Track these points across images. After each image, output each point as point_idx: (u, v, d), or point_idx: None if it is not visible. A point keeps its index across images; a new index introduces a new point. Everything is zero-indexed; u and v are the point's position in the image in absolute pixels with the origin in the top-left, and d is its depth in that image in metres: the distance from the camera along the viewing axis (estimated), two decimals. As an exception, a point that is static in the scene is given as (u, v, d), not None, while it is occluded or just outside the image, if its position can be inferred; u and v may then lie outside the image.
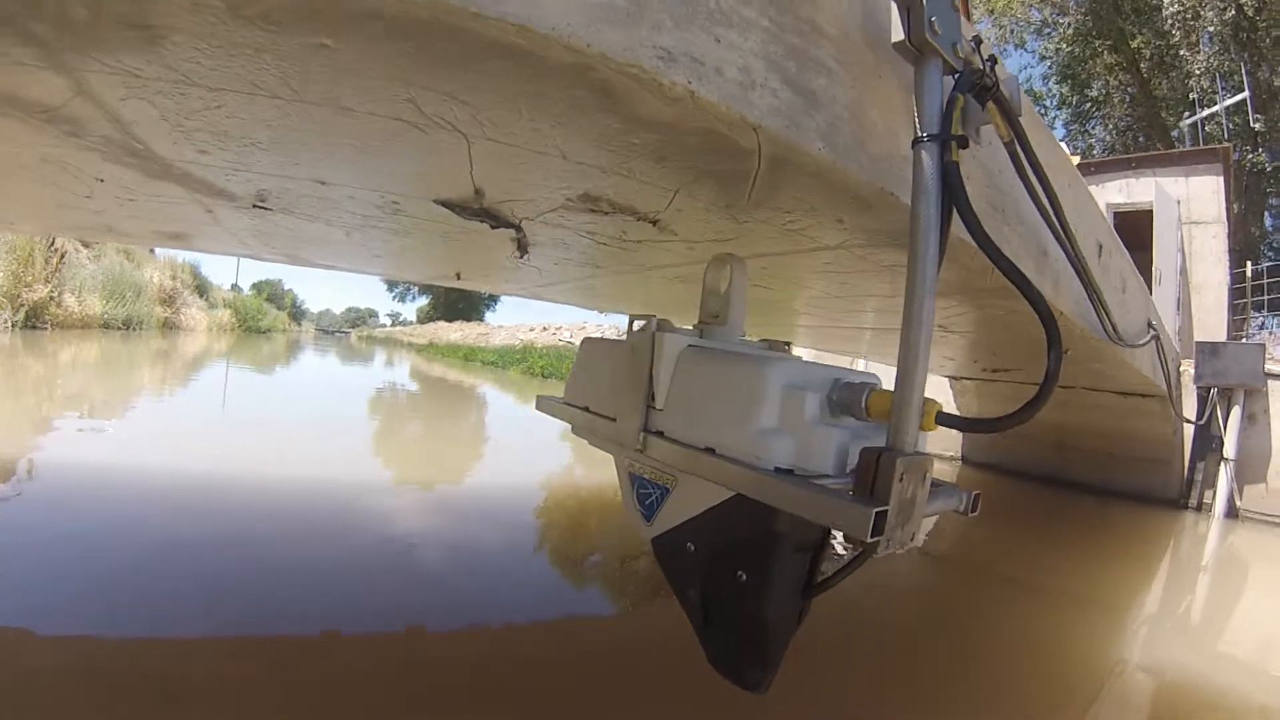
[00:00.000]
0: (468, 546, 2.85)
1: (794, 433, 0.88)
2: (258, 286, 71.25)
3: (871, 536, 0.75)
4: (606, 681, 1.71)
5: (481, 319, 52.50)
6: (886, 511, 0.75)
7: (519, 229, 1.57)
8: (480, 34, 0.67)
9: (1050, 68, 17.67)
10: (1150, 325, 3.41)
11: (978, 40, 1.07)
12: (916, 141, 0.90)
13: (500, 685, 1.62)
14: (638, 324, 1.13)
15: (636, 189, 1.18)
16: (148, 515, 2.66)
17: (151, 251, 30.21)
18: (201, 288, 31.32)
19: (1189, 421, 5.41)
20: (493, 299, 61.53)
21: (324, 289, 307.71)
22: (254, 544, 2.42)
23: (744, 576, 0.97)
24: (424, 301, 64.33)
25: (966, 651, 2.10)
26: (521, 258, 1.83)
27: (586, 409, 1.30)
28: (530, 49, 0.70)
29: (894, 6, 0.95)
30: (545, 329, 27.10)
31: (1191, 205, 7.41)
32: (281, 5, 0.70)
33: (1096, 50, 12.49)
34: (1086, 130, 17.47)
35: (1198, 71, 11.56)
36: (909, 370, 0.84)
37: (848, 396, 0.91)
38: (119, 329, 17.56)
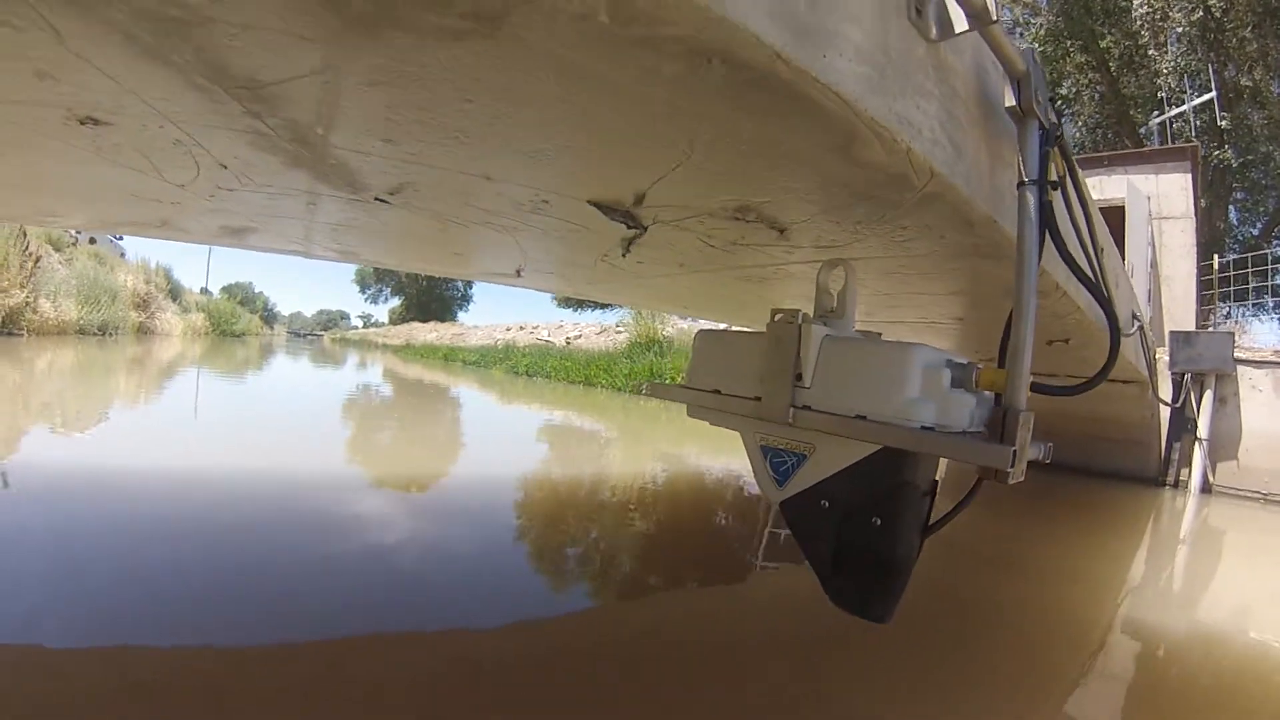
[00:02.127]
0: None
1: (934, 399, 1.16)
2: (228, 289, 70.09)
3: (1009, 468, 1.05)
4: (587, 676, 1.72)
5: (455, 319, 51.81)
6: (1015, 450, 1.05)
7: (644, 229, 1.76)
8: (796, 88, 0.91)
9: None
10: (1135, 316, 3.77)
11: (1052, 100, 1.38)
12: (1021, 184, 1.21)
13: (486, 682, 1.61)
14: (779, 316, 1.40)
15: (793, 206, 1.44)
16: (130, 522, 2.66)
17: (123, 255, 29.65)
18: (174, 291, 30.93)
19: (1166, 404, 5.85)
20: (465, 299, 60.81)
21: (294, 291, 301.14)
22: (233, 550, 2.41)
23: (878, 522, 1.25)
24: (396, 302, 63.44)
25: (961, 627, 2.23)
26: (623, 257, 2.04)
27: (717, 391, 1.58)
28: (818, 99, 0.94)
29: (1008, 79, 1.27)
30: (523, 328, 26.86)
31: (1161, 201, 7.77)
32: (670, 33, 0.79)
33: (1067, 50, 12.94)
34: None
35: (1165, 71, 12.03)
36: (1019, 350, 1.15)
37: (961, 374, 1.19)
38: (95, 334, 17.44)
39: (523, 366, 17.91)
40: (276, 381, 11.52)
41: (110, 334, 18.48)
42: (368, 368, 17.38)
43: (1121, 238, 7.66)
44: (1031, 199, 1.20)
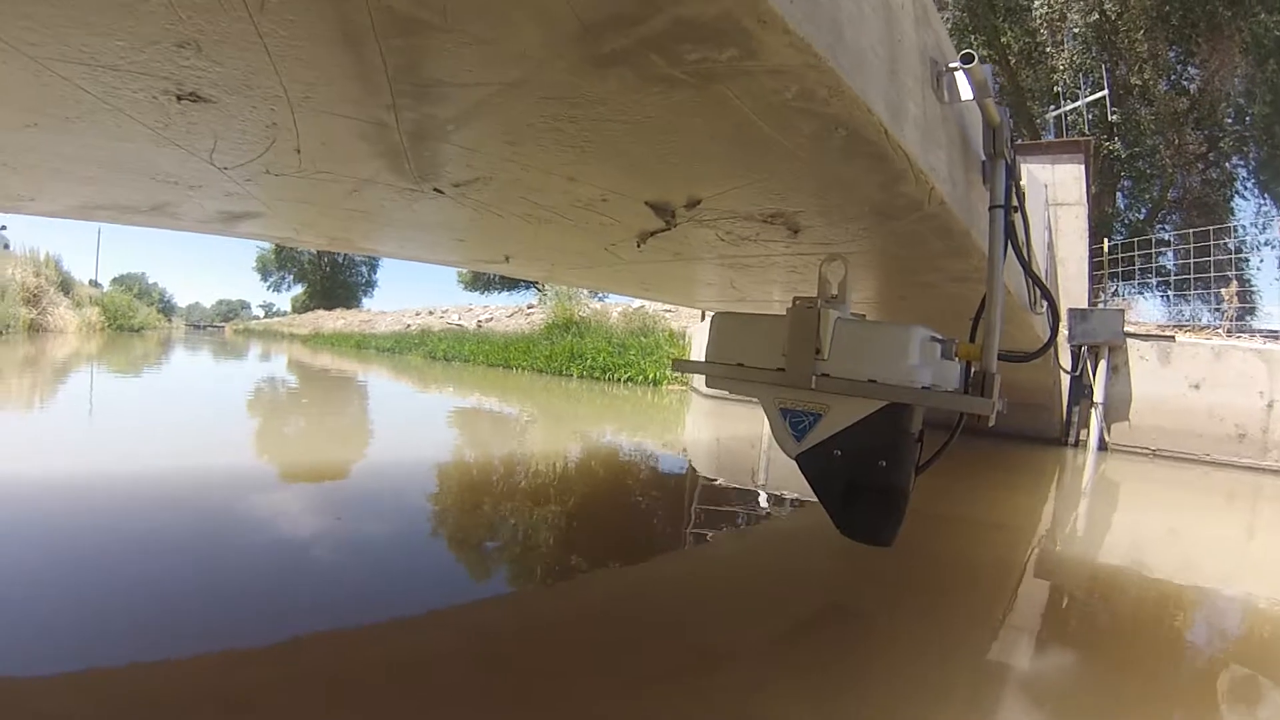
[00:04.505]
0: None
1: (930, 365, 1.56)
2: (120, 281, 65.49)
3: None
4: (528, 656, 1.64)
5: (360, 306, 50.09)
6: (994, 402, 1.46)
7: (676, 225, 2.00)
8: (882, 147, 1.29)
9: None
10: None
11: (1012, 139, 1.79)
12: (993, 208, 1.64)
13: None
14: (799, 301, 1.76)
15: (819, 215, 1.80)
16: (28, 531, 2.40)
17: (7, 247, 27.07)
18: (65, 284, 28.51)
19: (1066, 372, 6.57)
20: (370, 285, 58.45)
21: (190, 281, 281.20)
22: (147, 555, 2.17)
23: (884, 464, 1.64)
24: (299, 290, 60.40)
25: (901, 575, 2.42)
26: (638, 248, 2.29)
27: (740, 365, 1.93)
28: (893, 156, 1.33)
29: (984, 130, 1.70)
30: (432, 313, 26.63)
31: (1057, 189, 8.42)
32: (827, 111, 1.13)
33: (971, 44, 13.73)
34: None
35: (1062, 68, 12.94)
36: (990, 329, 1.57)
37: (945, 347, 1.61)
38: (-19, 333, 16.26)
39: (440, 351, 17.73)
40: (194, 376, 10.68)
41: (1, 333, 17.35)
42: (273, 359, 16.08)
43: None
44: (999, 218, 1.63)
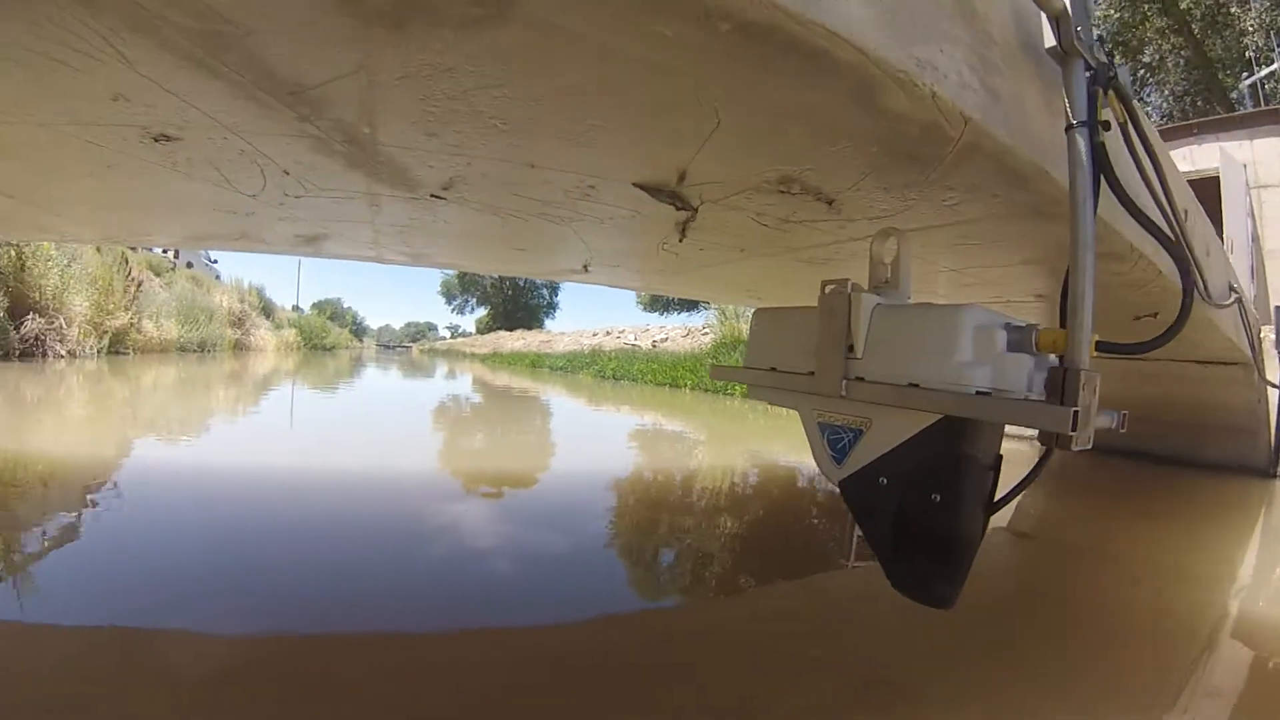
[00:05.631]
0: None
1: (989, 362, 1.11)
2: (319, 306, 73.16)
3: (1072, 430, 0.99)
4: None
5: (542, 326, 52.76)
6: (1078, 413, 1.00)
7: (695, 212, 1.77)
8: (812, 43, 0.91)
9: (1101, 36, 17.31)
10: (1232, 288, 3.52)
11: (1101, 39, 1.31)
12: (1069, 128, 1.16)
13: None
14: (829, 288, 1.38)
15: (834, 171, 1.41)
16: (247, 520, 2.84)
17: (218, 278, 31.43)
18: (267, 309, 32.43)
19: (1275, 386, 5.42)
20: (551, 306, 62.06)
21: (382, 305, 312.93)
22: (329, 546, 2.52)
23: (937, 498, 1.20)
24: (483, 312, 65.09)
25: (1056, 626, 2.07)
26: (679, 242, 2.04)
27: (774, 369, 1.56)
28: (828, 49, 0.93)
29: (1044, 18, 1.23)
30: (609, 333, 27.06)
31: (1259, 168, 7.28)
32: None
33: (1145, 15, 12.31)
34: (1142, 99, 17.12)
35: (1251, 29, 11.35)
36: (1079, 305, 1.09)
37: (1020, 336, 1.14)
38: (194, 351, 18.40)
39: (609, 370, 17.97)
40: (369, 390, 11.89)
41: (208, 350, 19.49)
42: (455, 376, 17.69)
43: (1217, 211, 7.22)
44: (1081, 141, 1.15)
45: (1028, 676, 1.71)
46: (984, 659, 1.80)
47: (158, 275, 20.56)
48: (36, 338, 11.14)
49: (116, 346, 13.88)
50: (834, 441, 1.41)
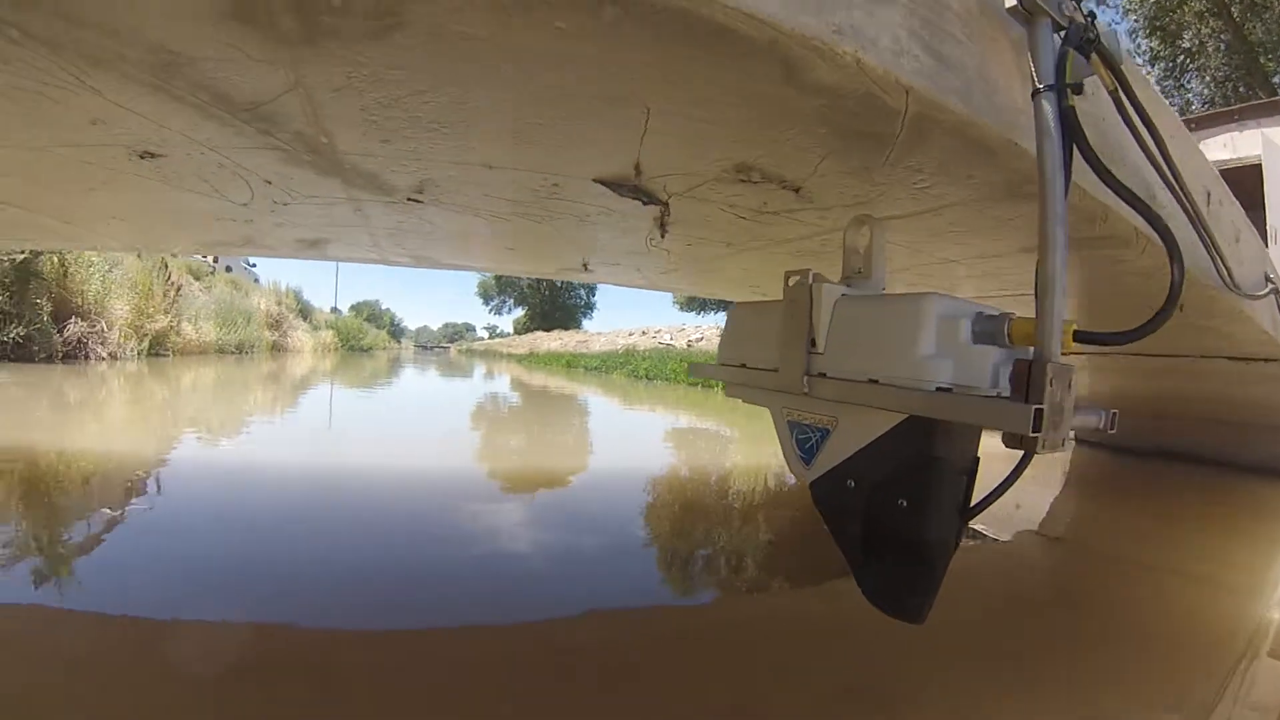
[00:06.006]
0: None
1: (951, 355, 1.01)
2: (356, 308, 74.36)
3: (1032, 433, 0.88)
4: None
5: (579, 326, 53.05)
6: (1043, 411, 0.89)
7: (667, 206, 1.70)
8: (709, 18, 0.84)
9: (1137, 21, 16.95)
10: (1269, 279, 3.30)
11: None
12: (1036, 93, 1.06)
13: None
14: (793, 279, 1.28)
15: (790, 156, 1.33)
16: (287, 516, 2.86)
17: (256, 281, 32.03)
18: (304, 311, 32.95)
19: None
20: (589, 307, 62.37)
21: (420, 307, 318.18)
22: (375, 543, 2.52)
23: (904, 503, 1.10)
24: (520, 313, 65.62)
25: (1086, 634, 1.94)
26: (662, 238, 1.97)
27: (743, 366, 1.46)
28: (740, 29, 0.86)
29: None
30: (644, 333, 27.29)
31: (1306, 158, 6.98)
32: None
33: (1183, -1, 11.91)
34: (1183, 85, 16.62)
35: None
36: (1048, 289, 0.98)
37: (990, 327, 1.03)
38: (233, 353, 18.71)
39: (643, 369, 17.86)
40: (404, 391, 12.05)
41: (246, 352, 19.82)
42: (490, 377, 17.83)
43: (1260, 201, 6.91)
44: (1049, 107, 1.05)
45: (1051, 689, 1.59)
46: (1004, 669, 1.69)
47: (197, 279, 20.95)
48: (79, 340, 11.34)
49: (156, 349, 14.15)
50: (802, 441, 1.31)
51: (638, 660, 1.65)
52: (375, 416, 7.55)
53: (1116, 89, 1.27)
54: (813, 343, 1.22)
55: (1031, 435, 0.89)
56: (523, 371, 20.99)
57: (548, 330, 49.07)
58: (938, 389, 1.00)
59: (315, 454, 4.61)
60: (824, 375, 1.20)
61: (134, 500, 2.84)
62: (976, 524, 2.90)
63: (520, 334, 57.63)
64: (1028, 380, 0.93)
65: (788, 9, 0.86)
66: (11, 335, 9.73)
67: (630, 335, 28.31)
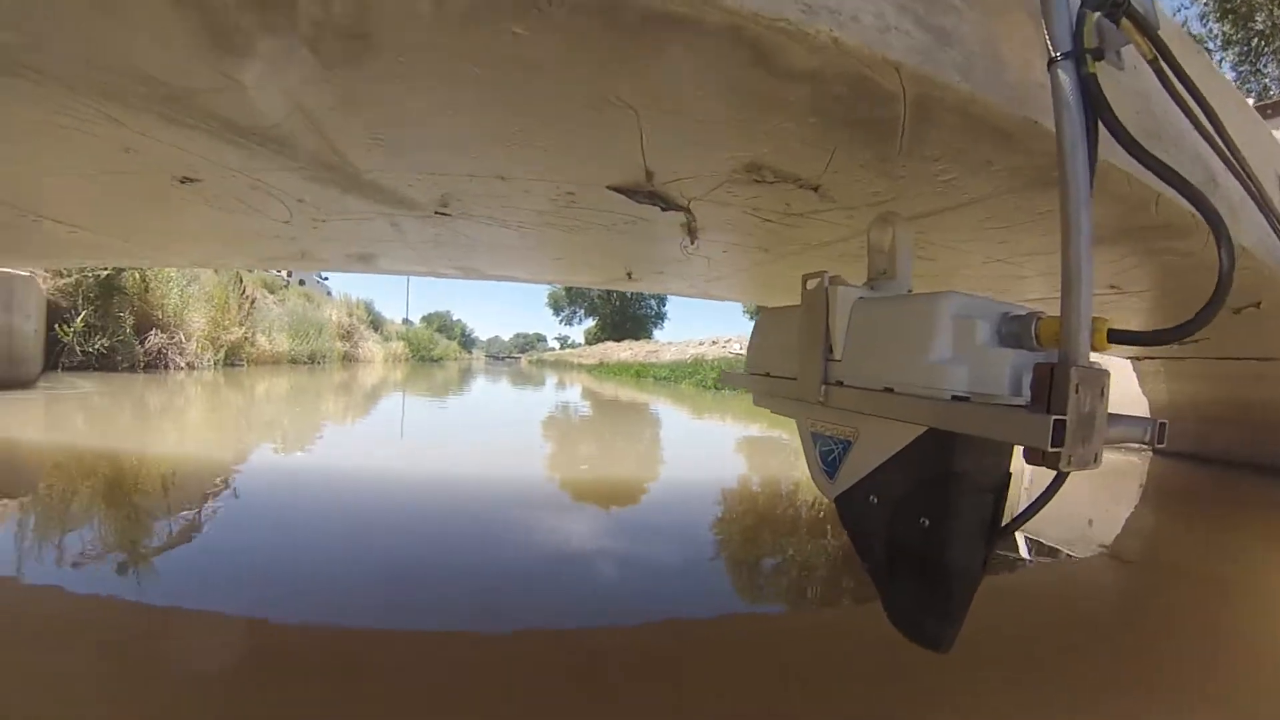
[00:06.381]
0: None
1: (967, 359, 0.93)
2: (428, 319, 76.02)
3: (1053, 446, 0.78)
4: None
5: (650, 336, 53.04)
6: (1065, 422, 0.79)
7: (689, 211, 1.66)
8: (648, 5, 0.80)
9: (1207, 5, 16.20)
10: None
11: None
12: (1051, 62, 0.94)
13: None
14: (811, 283, 1.21)
15: (797, 152, 1.27)
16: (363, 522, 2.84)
17: (329, 294, 33.06)
18: (375, 322, 33.80)
19: None
20: (660, 317, 62.40)
21: (492, 318, 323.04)
22: (444, 549, 2.50)
23: (926, 522, 1.02)
24: (591, 323, 66.00)
25: (1161, 656, 1.78)
26: (692, 244, 1.91)
27: (768, 374, 1.40)
28: (689, 14, 0.82)
29: None
30: (714, 342, 27.00)
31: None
32: None
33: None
34: (1259, 69, 15.74)
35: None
36: (1072, 283, 0.88)
37: (1017, 327, 0.94)
38: (305, 363, 19.25)
39: (711, 380, 17.70)
40: (473, 400, 12.26)
41: (318, 362, 20.39)
42: (560, 386, 18.01)
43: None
44: (1066, 77, 0.93)
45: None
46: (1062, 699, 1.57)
47: (271, 292, 21.63)
48: (159, 351, 11.84)
49: (231, 359, 14.65)
50: (825, 454, 1.25)
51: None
52: (444, 425, 7.65)
53: (1156, 58, 1.12)
54: (830, 349, 1.15)
55: (1052, 450, 0.79)
56: (592, 381, 21.07)
57: (618, 340, 49.00)
58: (954, 397, 0.92)
59: (387, 460, 4.64)
60: (841, 383, 1.13)
61: (211, 501, 2.90)
62: (1048, 540, 2.78)
63: (591, 344, 57.82)
64: (1050, 387, 0.83)
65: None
66: (96, 346, 10.17)
67: (700, 345, 28.10)
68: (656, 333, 60.56)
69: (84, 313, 10.08)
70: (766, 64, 0.93)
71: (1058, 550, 2.73)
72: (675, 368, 22.37)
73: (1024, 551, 2.69)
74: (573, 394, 14.53)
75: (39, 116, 1.27)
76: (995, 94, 1.02)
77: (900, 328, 1.03)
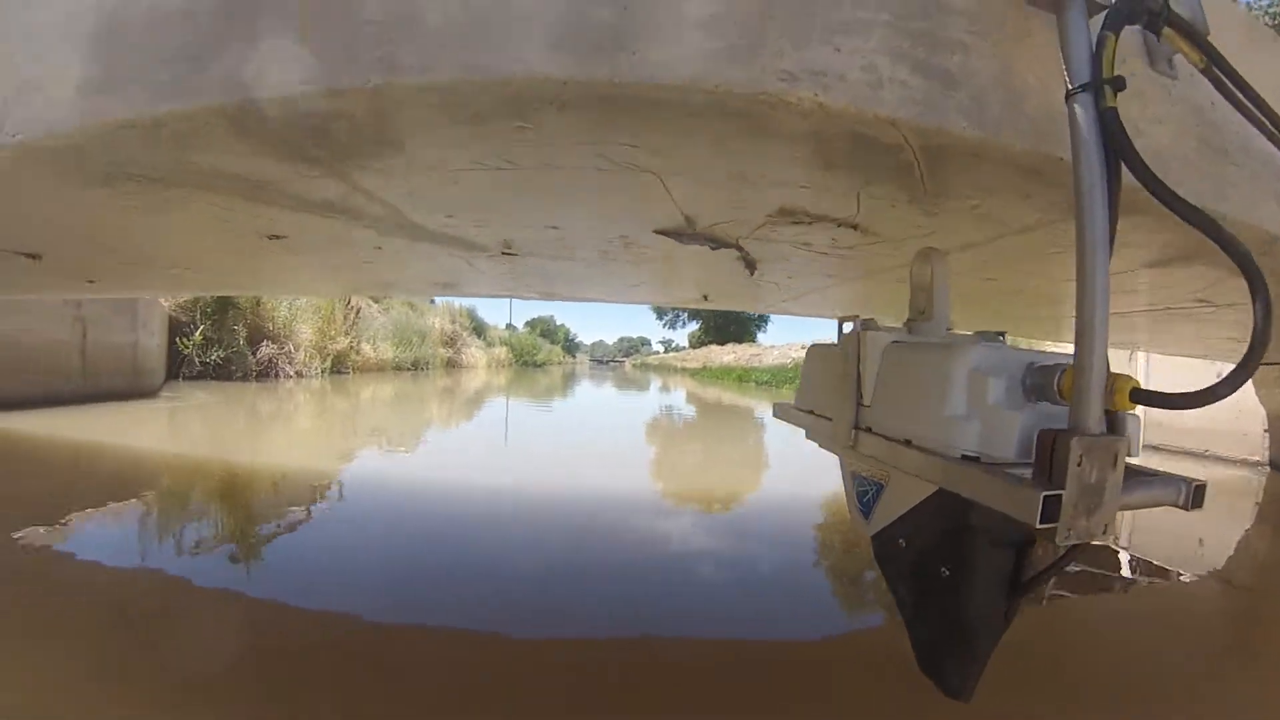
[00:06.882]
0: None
1: (979, 418, 0.90)
2: (531, 324, 77.62)
3: (1043, 523, 0.74)
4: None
5: (754, 340, 52.65)
6: (1060, 496, 0.74)
7: (740, 248, 1.69)
8: (634, 95, 0.85)
9: None
10: None
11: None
12: (1069, 95, 0.86)
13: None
14: (846, 326, 1.22)
15: (822, 198, 1.27)
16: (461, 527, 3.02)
17: (431, 301, 33.98)
18: (479, 329, 34.62)
19: None
20: (763, 320, 61.77)
21: (595, 322, 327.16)
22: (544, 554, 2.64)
23: (946, 572, 1.01)
24: (695, 327, 66.27)
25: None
26: (752, 274, 1.96)
27: (812, 412, 1.41)
28: (672, 98, 0.86)
29: None
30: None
31: None
32: (486, 106, 0.92)
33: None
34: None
35: None
36: (1087, 341, 0.80)
37: (1041, 379, 0.90)
38: (409, 370, 19.92)
39: None
40: (574, 404, 12.59)
41: (421, 368, 21.13)
42: (665, 390, 18.37)
43: None
44: (1083, 112, 0.84)
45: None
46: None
47: (376, 302, 22.62)
48: (270, 361, 12.64)
49: (337, 367, 15.41)
50: (861, 494, 1.26)
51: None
52: (547, 432, 7.83)
53: (1208, 65, 1.04)
54: (861, 395, 1.16)
55: (1044, 525, 0.74)
56: (695, 385, 21.36)
57: (721, 344, 48.84)
58: (964, 456, 0.91)
59: (494, 468, 4.89)
60: (870, 430, 1.14)
61: (320, 502, 3.22)
62: (1157, 559, 2.74)
63: (694, 348, 57.93)
64: (1050, 457, 0.78)
65: (710, 67, 0.82)
66: (213, 357, 10.98)
67: (802, 348, 27.71)
68: (760, 336, 59.91)
69: (202, 327, 10.89)
70: (761, 131, 0.94)
71: (1167, 570, 2.61)
72: (777, 372, 22.37)
73: (1125, 570, 2.61)
74: (680, 399, 14.79)
75: (144, 201, 1.49)
76: (1013, 132, 0.95)
77: (920, 378, 1.03)
